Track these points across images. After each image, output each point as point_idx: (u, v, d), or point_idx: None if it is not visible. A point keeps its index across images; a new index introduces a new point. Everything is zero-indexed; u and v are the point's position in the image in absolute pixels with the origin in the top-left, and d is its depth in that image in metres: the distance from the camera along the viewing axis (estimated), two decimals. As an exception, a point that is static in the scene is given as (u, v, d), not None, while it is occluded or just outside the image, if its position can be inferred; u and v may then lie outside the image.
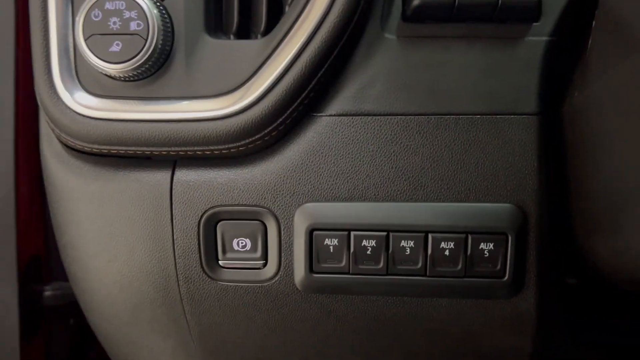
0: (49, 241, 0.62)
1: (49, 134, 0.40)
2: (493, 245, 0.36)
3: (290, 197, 0.37)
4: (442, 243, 0.37)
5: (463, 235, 0.37)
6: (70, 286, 0.60)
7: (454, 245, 0.37)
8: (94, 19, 0.34)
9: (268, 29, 0.37)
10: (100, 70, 0.35)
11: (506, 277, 0.37)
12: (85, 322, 0.68)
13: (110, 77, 0.36)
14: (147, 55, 0.34)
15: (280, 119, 0.36)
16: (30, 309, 0.59)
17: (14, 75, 0.52)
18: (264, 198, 0.38)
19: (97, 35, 0.34)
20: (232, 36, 0.37)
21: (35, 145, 0.57)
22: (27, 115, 0.54)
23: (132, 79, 0.36)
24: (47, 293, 0.62)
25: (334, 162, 0.37)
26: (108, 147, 0.37)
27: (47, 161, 0.40)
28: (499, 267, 0.37)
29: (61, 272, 0.63)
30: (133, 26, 0.34)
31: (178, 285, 0.39)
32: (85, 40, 0.34)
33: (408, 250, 0.37)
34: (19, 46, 0.52)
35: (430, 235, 0.37)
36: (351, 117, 0.37)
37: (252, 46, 0.36)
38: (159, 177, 0.38)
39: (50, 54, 0.36)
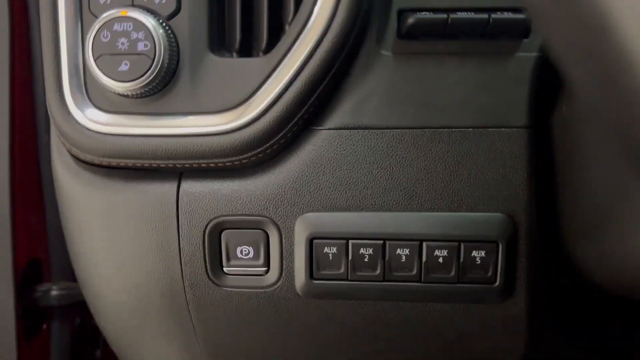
0: (50, 244, 0.63)
1: (60, 146, 0.42)
2: (484, 253, 0.38)
3: (291, 207, 0.39)
4: (436, 251, 0.38)
5: (456, 244, 0.38)
6: (76, 287, 0.62)
7: (447, 253, 0.38)
8: (103, 39, 0.36)
9: (269, 47, 0.38)
10: (109, 89, 0.37)
11: (497, 283, 0.39)
12: (91, 322, 0.69)
13: (118, 94, 0.37)
14: (154, 74, 0.36)
15: (281, 133, 0.38)
16: (30, 310, 0.61)
17: (9, 84, 0.54)
18: (266, 208, 0.39)
19: (107, 55, 0.36)
20: (234, 54, 0.39)
21: (33, 152, 0.59)
22: (23, 123, 0.55)
23: (140, 96, 0.37)
24: (54, 293, 0.64)
25: (332, 174, 0.39)
26: (117, 160, 0.39)
27: (58, 173, 0.42)
28: (490, 273, 0.39)
29: (63, 274, 0.65)
30: (140, 46, 0.36)
31: (184, 291, 0.41)
32: (95, 60, 0.36)
33: (403, 258, 0.39)
34: (14, 57, 0.54)
35: (424, 244, 0.39)
36: (349, 130, 0.39)
37: (254, 64, 0.37)
38: (166, 189, 0.40)
39: (61, 72, 0.38)
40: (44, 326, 0.65)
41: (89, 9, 0.37)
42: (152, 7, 0.37)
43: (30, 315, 0.61)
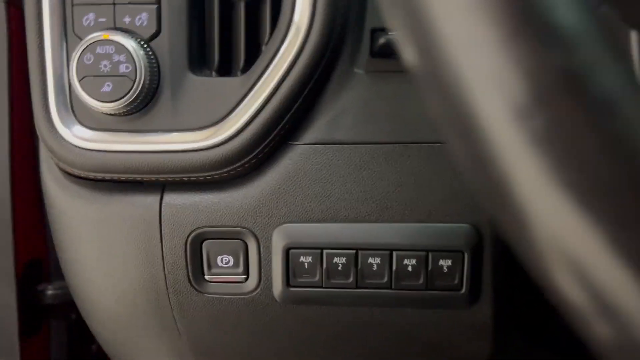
0: (49, 244, 0.66)
1: (48, 159, 0.44)
2: (451, 262, 0.40)
3: (268, 218, 0.41)
4: (405, 260, 0.40)
5: (424, 253, 0.40)
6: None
7: (415, 262, 0.40)
8: (87, 62, 0.38)
9: (247, 66, 0.40)
10: (93, 108, 0.38)
11: (463, 290, 0.41)
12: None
13: (103, 113, 0.39)
14: (135, 94, 0.38)
15: (259, 149, 0.40)
16: (31, 309, 0.64)
17: (7, 87, 0.55)
18: (245, 219, 0.41)
19: (90, 77, 0.38)
20: (214, 73, 0.41)
21: (32, 156, 0.61)
22: (22, 125, 0.57)
23: (123, 114, 0.39)
24: (49, 292, 0.66)
25: (308, 187, 0.41)
26: (102, 174, 0.41)
27: (47, 185, 0.44)
28: (456, 281, 0.41)
29: (60, 274, 0.67)
30: (122, 68, 0.37)
31: (168, 297, 0.43)
32: (79, 81, 0.38)
33: (375, 267, 0.41)
34: (11, 62, 0.55)
35: (394, 253, 0.41)
36: (324, 145, 0.41)
37: (232, 83, 0.39)
38: (150, 201, 0.42)
39: (47, 91, 0.40)
40: (43, 324, 0.67)
41: (73, 31, 0.39)
42: (133, 29, 0.39)
43: (31, 314, 0.63)
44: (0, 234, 0.58)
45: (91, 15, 0.39)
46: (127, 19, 0.39)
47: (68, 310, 0.71)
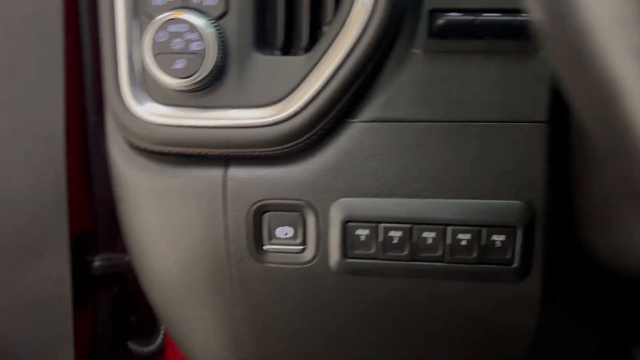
0: (97, 218, 0.68)
1: (114, 134, 0.46)
2: (504, 237, 0.42)
3: (327, 192, 0.43)
4: (459, 235, 0.42)
5: (478, 229, 0.42)
6: (115, 257, 0.67)
7: (469, 236, 0.42)
8: (160, 40, 0.39)
9: (310, 46, 0.42)
10: (164, 85, 0.40)
11: (514, 264, 0.43)
12: (128, 289, 0.75)
13: (172, 89, 0.41)
14: (206, 72, 0.39)
15: (319, 125, 0.41)
16: (81, 280, 0.66)
17: (63, 74, 0.57)
18: (305, 193, 0.43)
19: (163, 54, 0.39)
20: (278, 52, 0.42)
21: (83, 131, 0.63)
22: (73, 105, 0.59)
23: (192, 90, 0.41)
24: (96, 264, 0.69)
25: (365, 163, 0.43)
26: (170, 148, 0.43)
27: (114, 157, 0.46)
28: (508, 255, 0.42)
29: (107, 246, 0.70)
30: (194, 46, 0.39)
31: (229, 266, 0.45)
32: (153, 57, 0.40)
33: (429, 241, 0.42)
34: (66, 47, 0.57)
35: (448, 228, 0.42)
36: (381, 123, 0.42)
37: (295, 62, 0.41)
38: (214, 174, 0.44)
39: (119, 69, 0.42)
40: (91, 295, 0.70)
41: (144, 11, 0.41)
42: (202, 8, 0.40)
43: (81, 286, 0.66)
44: (56, 207, 0.60)
45: None
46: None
47: (113, 281, 0.73)
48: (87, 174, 0.64)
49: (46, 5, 0.55)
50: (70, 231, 0.62)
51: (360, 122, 0.42)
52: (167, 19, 0.39)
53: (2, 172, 0.59)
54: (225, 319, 0.49)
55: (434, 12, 0.40)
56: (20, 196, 0.60)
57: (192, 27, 0.39)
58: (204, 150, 0.42)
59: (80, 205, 0.64)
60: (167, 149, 0.43)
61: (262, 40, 0.42)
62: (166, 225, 0.45)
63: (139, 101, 0.42)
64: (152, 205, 0.45)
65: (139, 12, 0.41)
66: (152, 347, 0.79)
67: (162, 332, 0.78)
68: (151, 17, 0.41)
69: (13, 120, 0.58)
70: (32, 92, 0.57)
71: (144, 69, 0.41)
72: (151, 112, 0.42)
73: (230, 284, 0.46)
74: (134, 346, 0.80)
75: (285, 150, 0.42)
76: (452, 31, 0.40)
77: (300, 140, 0.42)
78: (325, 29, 0.42)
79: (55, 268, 0.62)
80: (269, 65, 0.41)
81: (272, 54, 0.42)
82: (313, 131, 0.41)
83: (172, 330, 0.53)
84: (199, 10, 0.40)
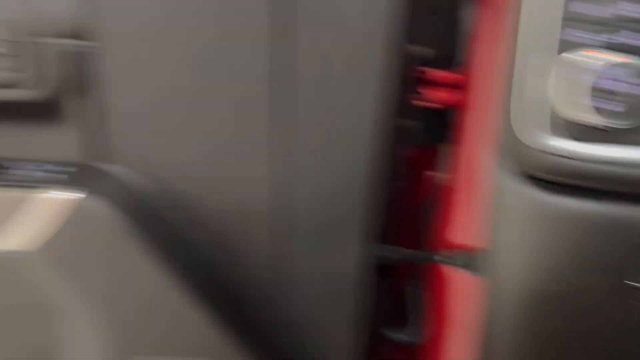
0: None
1: (504, 158, 0.48)
2: None
3: None
4: None
5: None
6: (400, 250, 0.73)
7: None
8: (601, 82, 0.41)
9: None
10: (592, 124, 0.42)
11: None
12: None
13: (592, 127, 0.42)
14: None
15: None
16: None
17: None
18: None
19: (602, 95, 0.41)
20: None
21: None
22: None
23: (611, 130, 0.42)
24: (384, 254, 0.75)
25: None
26: (568, 180, 0.45)
27: (499, 180, 0.49)
28: None
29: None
30: (636, 90, 0.40)
31: None
32: (591, 97, 0.41)
33: None
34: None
35: None
36: None
37: None
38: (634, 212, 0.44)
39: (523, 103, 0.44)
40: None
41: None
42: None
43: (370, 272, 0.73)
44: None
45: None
46: (627, 39, 0.41)
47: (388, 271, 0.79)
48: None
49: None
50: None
51: None
52: (614, 63, 0.40)
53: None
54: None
55: None
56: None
57: (637, 72, 0.40)
58: (616, 188, 0.43)
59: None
60: (564, 181, 0.45)
61: None
62: (526, 248, 0.47)
63: (544, 136, 0.44)
64: (524, 228, 0.47)
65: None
66: (407, 337, 0.85)
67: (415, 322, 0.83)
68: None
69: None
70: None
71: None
72: (556, 146, 0.44)
73: None
74: (388, 332, 0.86)
75: None
76: None
77: None
78: None
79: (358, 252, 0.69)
80: None
81: None
82: None
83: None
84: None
